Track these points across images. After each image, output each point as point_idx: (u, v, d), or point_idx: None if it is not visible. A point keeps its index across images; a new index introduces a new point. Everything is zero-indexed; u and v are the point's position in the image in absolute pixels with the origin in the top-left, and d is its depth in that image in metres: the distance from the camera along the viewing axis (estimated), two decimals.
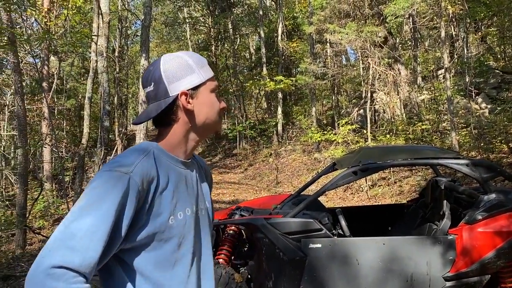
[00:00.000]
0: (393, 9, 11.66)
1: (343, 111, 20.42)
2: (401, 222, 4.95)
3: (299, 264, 3.72)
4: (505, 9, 13.72)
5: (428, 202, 4.55)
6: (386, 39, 14.52)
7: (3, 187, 15.55)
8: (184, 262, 1.40)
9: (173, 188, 1.38)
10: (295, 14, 24.44)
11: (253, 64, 27.31)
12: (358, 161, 4.02)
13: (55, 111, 18.90)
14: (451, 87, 11.90)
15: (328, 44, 18.71)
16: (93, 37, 10.26)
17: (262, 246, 3.85)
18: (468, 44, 17.61)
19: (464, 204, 4.06)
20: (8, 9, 7.74)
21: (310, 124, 18.86)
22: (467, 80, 13.78)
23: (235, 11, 24.43)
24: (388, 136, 12.43)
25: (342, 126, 13.20)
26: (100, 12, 11.49)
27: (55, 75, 16.29)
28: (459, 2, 11.80)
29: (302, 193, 5.11)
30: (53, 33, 12.46)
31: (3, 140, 16.43)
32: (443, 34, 11.48)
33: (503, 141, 10.51)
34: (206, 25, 26.47)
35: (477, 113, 13.12)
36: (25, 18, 13.69)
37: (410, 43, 18.66)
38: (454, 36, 17.68)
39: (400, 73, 14.45)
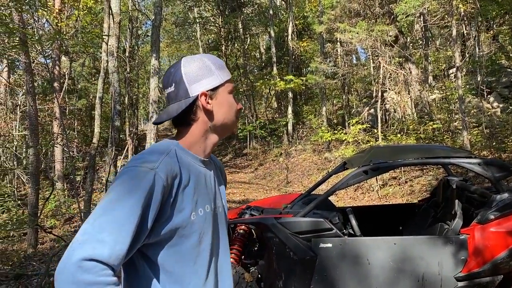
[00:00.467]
0: (404, 7, 11.58)
1: (353, 110, 20.34)
2: (412, 222, 4.92)
3: (309, 263, 3.70)
4: None
5: (440, 201, 4.52)
6: (396, 38, 14.44)
7: (15, 186, 15.67)
8: (203, 257, 1.43)
9: (194, 185, 1.42)
10: (305, 14, 24.40)
11: (263, 64, 27.30)
12: (369, 160, 4.00)
13: (67, 111, 19.03)
14: (463, 86, 11.80)
15: (338, 43, 18.69)
16: (103, 37, 10.30)
17: (273, 245, 3.84)
18: (480, 43, 17.45)
19: (476, 203, 4.03)
20: (19, 9, 7.79)
21: (321, 124, 18.81)
22: (478, 79, 13.66)
23: (245, 11, 24.42)
24: (398, 135, 12.37)
25: (352, 125, 13.15)
26: (110, 13, 11.54)
27: (66, 75, 16.42)
28: (470, 1, 11.68)
29: (313, 192, 5.09)
30: (64, 33, 12.54)
31: (15, 140, 16.56)
32: (454, 32, 11.38)
33: None
34: (216, 25, 26.49)
35: (489, 112, 13.01)
36: (36, 18, 13.79)
37: (421, 42, 18.54)
38: (465, 34, 17.53)
39: (411, 72, 14.36)
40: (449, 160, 3.89)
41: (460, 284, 3.51)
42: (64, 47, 15.45)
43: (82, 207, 8.80)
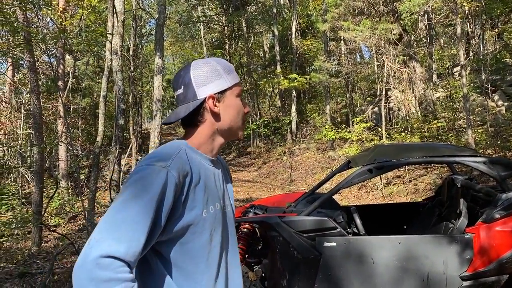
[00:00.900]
0: (408, 6, 11.54)
1: (357, 109, 20.31)
2: (416, 220, 4.90)
3: (313, 262, 3.69)
4: None
5: (444, 200, 4.50)
6: (401, 36, 14.39)
7: (19, 185, 15.70)
8: (214, 254, 1.47)
9: (204, 183, 1.46)
10: (309, 12, 24.35)
11: (267, 62, 27.28)
12: (373, 159, 3.99)
13: (71, 110, 19.05)
14: (467, 85, 11.76)
15: (342, 41, 18.63)
16: (107, 36, 10.30)
17: (276, 244, 3.83)
18: (484, 41, 17.39)
19: (481, 202, 4.01)
20: (24, 8, 7.80)
21: (324, 122, 18.79)
22: (483, 77, 13.62)
23: (249, 9, 24.41)
24: (403, 134, 12.34)
25: (356, 124, 13.13)
26: (114, 11, 11.53)
27: (70, 74, 16.43)
28: None
29: (316, 191, 5.08)
30: (68, 32, 12.54)
31: (19, 138, 16.60)
32: (459, 31, 11.34)
33: None
34: (220, 23, 26.48)
35: (494, 111, 12.96)
36: (40, 17, 13.82)
37: (425, 40, 18.48)
38: (470, 33, 17.47)
39: (415, 70, 14.32)
40: (454, 158, 3.87)
41: (465, 283, 3.49)
42: (68, 46, 15.48)
43: (86, 206, 8.79)
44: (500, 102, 13.67)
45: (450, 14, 13.71)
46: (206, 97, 1.49)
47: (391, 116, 15.49)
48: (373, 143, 12.20)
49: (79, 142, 18.96)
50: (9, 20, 6.88)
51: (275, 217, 3.87)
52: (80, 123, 21.23)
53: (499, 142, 10.55)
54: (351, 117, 17.88)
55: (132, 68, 23.04)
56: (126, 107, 17.45)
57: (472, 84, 14.19)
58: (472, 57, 14.67)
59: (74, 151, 15.94)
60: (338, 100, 24.18)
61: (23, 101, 16.39)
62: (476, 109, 13.23)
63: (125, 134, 19.98)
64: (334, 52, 19.80)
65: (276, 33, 22.10)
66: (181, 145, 1.47)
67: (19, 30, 7.31)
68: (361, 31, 13.11)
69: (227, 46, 25.56)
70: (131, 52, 23.29)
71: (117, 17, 11.82)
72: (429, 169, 11.10)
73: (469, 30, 17.29)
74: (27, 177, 15.13)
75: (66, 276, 6.05)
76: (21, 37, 8.21)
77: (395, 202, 9.76)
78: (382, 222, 5.17)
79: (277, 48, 21.83)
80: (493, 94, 13.98)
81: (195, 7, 27.39)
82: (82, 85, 21.93)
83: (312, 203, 4.07)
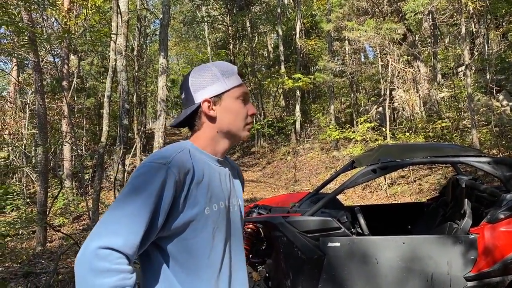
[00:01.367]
0: (412, 5, 11.52)
1: (361, 109, 20.26)
2: (421, 221, 4.89)
3: (317, 263, 3.69)
4: None
5: (449, 200, 4.49)
6: (405, 36, 14.36)
7: (24, 184, 15.77)
8: (217, 252, 1.48)
9: (208, 181, 1.48)
10: (313, 12, 24.33)
11: (271, 62, 27.27)
12: (378, 159, 3.98)
13: (75, 110, 19.11)
14: (472, 84, 11.73)
15: (346, 41, 18.63)
16: (112, 36, 10.31)
17: (280, 244, 3.83)
18: (489, 41, 17.34)
19: (485, 203, 3.99)
20: (28, 8, 7.83)
21: (329, 122, 18.77)
22: (488, 77, 13.58)
23: (253, 10, 24.42)
24: (407, 134, 12.32)
25: (361, 124, 13.11)
26: (119, 11, 11.56)
27: (75, 74, 16.49)
28: None
29: (320, 191, 5.07)
30: (73, 32, 12.59)
31: (24, 138, 16.67)
32: (463, 30, 11.30)
33: None
34: (224, 23, 26.49)
35: (498, 111, 12.91)
36: (45, 17, 13.87)
37: (429, 40, 18.43)
38: (474, 32, 17.42)
39: (419, 70, 14.28)
40: (459, 159, 3.86)
41: (470, 284, 3.48)
42: (72, 46, 15.52)
43: (91, 205, 8.83)
44: (505, 102, 13.62)
45: (455, 14, 13.67)
46: (201, 101, 1.53)
47: (396, 116, 15.46)
48: (378, 143, 12.18)
49: (83, 142, 19.04)
50: (14, 21, 6.91)
51: (279, 217, 3.87)
52: (84, 123, 21.31)
53: (503, 142, 10.51)
54: (355, 117, 17.85)
55: (136, 68, 23.09)
56: (130, 107, 17.47)
57: (476, 84, 14.15)
58: (476, 56, 14.62)
59: (79, 151, 16.00)
60: (342, 100, 24.15)
61: (28, 101, 16.45)
62: (481, 109, 13.19)
63: (129, 134, 20.04)
64: (339, 52, 19.82)
65: (280, 33, 22.09)
66: (186, 145, 1.51)
67: (24, 30, 7.34)
68: (365, 31, 13.09)
69: (231, 46, 25.57)
70: (135, 52, 23.35)
71: (121, 17, 11.86)
72: (433, 169, 11.07)
73: (474, 29, 17.23)
74: (31, 177, 15.19)
75: (70, 275, 6.07)
76: (26, 37, 8.24)
77: (399, 202, 9.74)
78: (386, 222, 5.16)
79: (281, 48, 21.82)
80: (498, 94, 13.93)
81: (199, 7, 27.39)
82: (86, 85, 21.98)
83: (316, 203, 4.06)
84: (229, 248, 1.54)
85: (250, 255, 4.25)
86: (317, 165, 16.49)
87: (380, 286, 3.61)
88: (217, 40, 30.49)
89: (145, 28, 27.75)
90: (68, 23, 13.15)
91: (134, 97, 22.87)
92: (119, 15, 11.67)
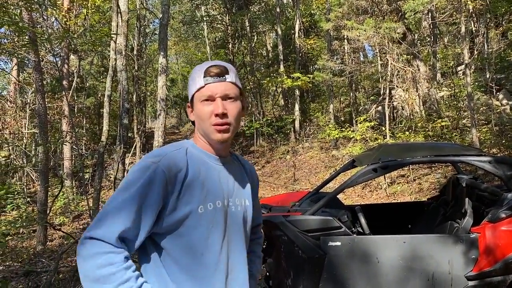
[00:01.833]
0: (412, 4, 11.52)
1: (361, 108, 20.26)
2: (421, 220, 4.90)
3: (318, 262, 3.70)
4: None
5: (449, 200, 4.49)
6: (404, 35, 14.36)
7: (25, 184, 15.77)
8: (212, 251, 1.48)
9: (203, 180, 1.48)
10: (312, 11, 24.32)
11: (270, 62, 27.25)
12: (378, 158, 3.99)
13: (75, 109, 19.12)
14: (471, 83, 11.73)
15: (345, 40, 18.60)
16: (112, 35, 10.32)
17: (281, 243, 3.84)
18: (489, 40, 17.35)
19: (486, 202, 4.00)
20: (29, 8, 7.83)
21: (328, 121, 18.77)
22: (487, 76, 13.59)
23: (252, 9, 24.39)
24: (407, 133, 12.32)
25: (360, 123, 13.10)
26: (119, 11, 11.56)
27: (75, 74, 16.47)
28: None
29: (320, 190, 5.08)
30: (73, 32, 12.59)
31: (24, 138, 16.66)
32: (463, 29, 11.31)
33: None
34: (223, 23, 26.45)
35: (498, 110, 12.92)
36: (45, 17, 13.85)
37: (429, 39, 18.44)
38: (474, 31, 17.42)
39: (419, 69, 14.28)
40: (460, 158, 3.87)
41: (471, 283, 3.49)
42: (72, 46, 15.51)
43: (91, 205, 8.84)
44: (504, 101, 13.63)
45: (454, 13, 13.68)
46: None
47: (395, 115, 15.46)
48: (377, 142, 12.18)
49: (83, 142, 19.03)
50: (15, 20, 6.91)
51: (279, 216, 3.88)
52: (84, 122, 21.32)
53: (503, 141, 10.52)
54: (355, 116, 17.84)
55: (136, 68, 23.09)
56: (130, 106, 17.47)
57: (476, 83, 14.15)
58: (476, 55, 14.63)
59: (79, 150, 16.00)
60: (342, 99, 24.14)
61: (28, 101, 16.45)
62: (481, 108, 13.19)
63: (129, 134, 20.04)
64: (338, 51, 19.79)
65: (280, 32, 22.07)
66: (184, 144, 1.54)
67: (24, 30, 7.34)
68: (365, 30, 13.09)
69: (230, 46, 25.54)
70: (135, 52, 23.35)
71: (121, 17, 11.86)
72: (433, 168, 11.08)
73: (473, 28, 17.24)
74: (32, 176, 15.18)
75: (71, 274, 6.07)
76: (27, 37, 8.25)
77: (399, 201, 9.75)
78: (387, 221, 5.17)
79: (280, 47, 21.79)
80: (498, 93, 13.94)
81: (199, 6, 27.36)
82: (86, 84, 21.97)
83: (316, 203, 4.07)
84: (227, 248, 1.52)
85: None
86: (317, 164, 16.49)
87: (381, 285, 3.62)
88: (216, 39, 30.46)
89: (145, 28, 27.75)
90: (68, 23, 13.14)
91: (134, 96, 22.88)
92: (119, 15, 11.68)
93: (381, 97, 15.07)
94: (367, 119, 13.31)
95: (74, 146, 15.29)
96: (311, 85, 20.02)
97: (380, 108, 16.24)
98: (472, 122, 10.40)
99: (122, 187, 1.38)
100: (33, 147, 16.99)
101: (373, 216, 5.10)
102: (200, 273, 1.45)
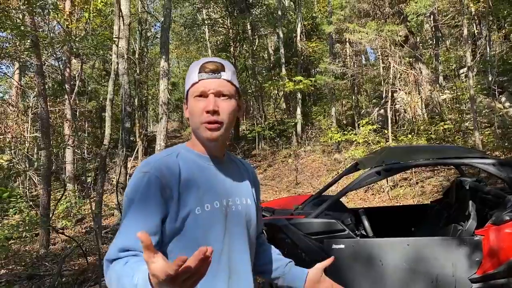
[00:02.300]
0: (414, 7, 11.53)
1: (363, 111, 20.26)
2: (424, 223, 4.88)
3: None
4: None
5: (452, 202, 4.48)
6: (406, 38, 14.36)
7: (27, 188, 15.79)
8: (213, 252, 1.44)
9: (199, 181, 1.47)
10: (314, 14, 24.36)
11: (271, 65, 27.26)
12: (382, 161, 3.98)
13: (77, 113, 19.13)
14: (474, 86, 11.72)
15: (347, 43, 18.61)
16: (114, 39, 10.34)
17: (285, 246, 3.83)
18: (491, 42, 17.33)
19: (490, 204, 3.99)
20: (31, 12, 7.85)
21: (330, 125, 18.77)
22: (490, 78, 13.57)
23: (253, 12, 24.43)
24: (409, 136, 12.30)
25: (362, 126, 13.09)
26: (120, 15, 11.58)
27: (77, 77, 16.50)
28: (481, 0, 11.61)
29: (323, 193, 5.07)
30: (75, 35, 12.60)
31: (26, 142, 16.69)
32: (465, 32, 11.31)
33: None
34: (225, 26, 26.49)
35: (501, 112, 12.91)
36: (47, 21, 13.89)
37: (431, 41, 18.44)
38: (476, 34, 17.42)
39: (421, 72, 14.28)
40: (463, 160, 3.86)
41: (475, 285, 3.48)
42: (74, 49, 15.54)
43: (93, 208, 8.83)
44: (507, 104, 13.61)
45: (457, 16, 13.69)
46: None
47: (397, 118, 15.45)
48: (379, 145, 12.17)
49: (85, 145, 19.04)
50: (17, 24, 6.93)
51: (283, 219, 3.88)
52: (86, 126, 21.35)
53: (506, 143, 10.50)
54: (357, 119, 17.84)
55: (138, 71, 23.14)
56: (132, 110, 17.50)
57: (479, 86, 14.14)
58: (478, 58, 14.61)
59: (81, 154, 16.00)
60: (344, 102, 24.13)
61: (30, 105, 16.48)
62: (483, 111, 13.18)
63: (131, 137, 20.05)
64: (340, 54, 19.80)
65: (281, 35, 22.09)
66: (177, 149, 1.54)
67: (27, 34, 7.36)
68: (367, 33, 13.09)
69: (232, 49, 25.56)
70: (136, 55, 23.40)
71: (123, 21, 11.87)
72: (436, 171, 11.06)
73: (476, 31, 17.25)
74: (34, 180, 15.20)
75: (74, 278, 6.07)
76: (29, 41, 8.27)
77: (402, 204, 9.73)
78: (390, 224, 5.16)
79: (282, 50, 21.81)
80: (500, 96, 13.92)
81: (200, 10, 27.40)
82: (88, 88, 22.02)
83: (319, 206, 4.06)
84: (228, 248, 1.50)
85: None
86: (319, 168, 16.48)
87: None
88: (218, 42, 30.48)
89: (146, 31, 27.81)
90: (70, 27, 13.17)
91: (136, 100, 22.92)
92: (121, 19, 11.69)
93: (383, 100, 15.07)
94: (369, 122, 13.31)
95: (76, 150, 15.31)
96: (313, 88, 20.03)
97: (382, 111, 16.23)
98: (475, 125, 10.39)
99: (126, 204, 1.40)
100: (35, 151, 17.03)
101: (376, 219, 5.09)
102: None
